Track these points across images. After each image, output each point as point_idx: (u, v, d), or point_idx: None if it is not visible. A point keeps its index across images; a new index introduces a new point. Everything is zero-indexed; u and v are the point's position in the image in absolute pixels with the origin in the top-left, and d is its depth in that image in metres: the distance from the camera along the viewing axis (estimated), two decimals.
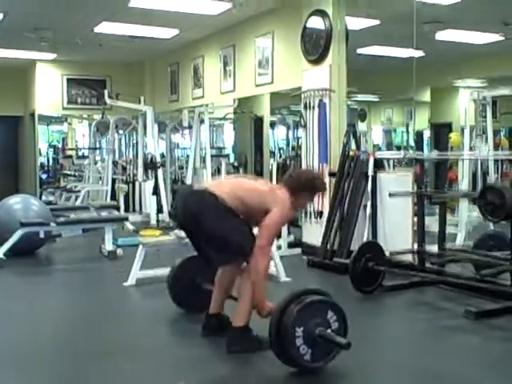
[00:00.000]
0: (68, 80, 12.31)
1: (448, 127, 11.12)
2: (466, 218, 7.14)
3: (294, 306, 3.47)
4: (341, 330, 3.53)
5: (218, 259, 3.95)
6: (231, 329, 3.90)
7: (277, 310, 3.53)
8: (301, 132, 7.48)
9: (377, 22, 8.38)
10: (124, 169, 12.19)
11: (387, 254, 5.53)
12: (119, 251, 7.17)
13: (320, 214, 6.92)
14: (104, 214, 9.05)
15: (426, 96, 12.21)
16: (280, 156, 11.81)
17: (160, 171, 9.86)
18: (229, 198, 3.81)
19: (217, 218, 3.79)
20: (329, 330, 3.47)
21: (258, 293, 3.86)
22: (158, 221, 9.19)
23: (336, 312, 3.54)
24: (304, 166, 7.25)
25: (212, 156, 10.32)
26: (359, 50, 9.80)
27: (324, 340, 3.44)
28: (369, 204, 6.18)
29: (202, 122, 10.34)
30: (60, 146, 14.44)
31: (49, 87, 12.25)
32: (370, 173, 6.23)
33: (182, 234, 5.81)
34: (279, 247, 6.77)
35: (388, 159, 7.80)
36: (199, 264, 4.50)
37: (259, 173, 10.73)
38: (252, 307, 3.89)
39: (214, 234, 3.81)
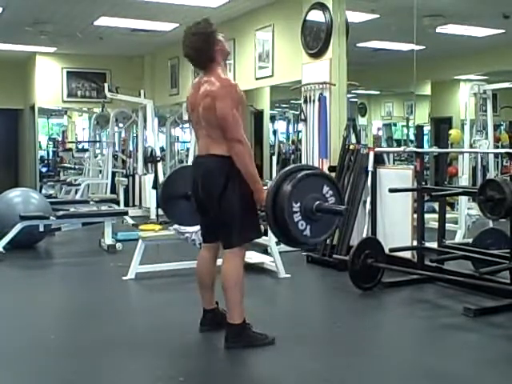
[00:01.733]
0: (68, 73, 12.28)
1: (448, 121, 11.11)
2: (465, 214, 7.13)
3: (288, 182, 3.39)
4: (337, 203, 3.50)
5: (233, 236, 3.81)
6: (228, 325, 3.88)
7: (271, 188, 3.45)
8: (301, 126, 7.46)
9: (377, 15, 8.35)
10: (124, 162, 12.19)
11: (386, 250, 5.52)
12: (118, 245, 7.17)
13: None
14: (104, 207, 9.06)
15: (427, 90, 12.20)
16: (280, 150, 11.79)
17: (160, 165, 9.86)
18: (215, 147, 3.75)
19: (226, 195, 3.71)
20: (326, 204, 3.42)
21: (253, 182, 3.67)
22: (157, 215, 9.18)
23: (332, 186, 3.49)
24: (304, 160, 7.23)
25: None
26: (359, 44, 9.78)
27: (322, 212, 3.39)
28: (368, 200, 6.16)
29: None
30: (60, 139, 14.44)
31: (49, 80, 12.23)
32: (370, 168, 6.20)
33: (182, 228, 5.85)
34: (278, 243, 6.75)
35: (388, 153, 7.81)
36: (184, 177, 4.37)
37: (259, 166, 10.73)
38: (242, 296, 3.82)
39: (222, 213, 3.76)
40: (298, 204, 3.36)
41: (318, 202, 3.41)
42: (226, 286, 3.80)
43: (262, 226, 4.01)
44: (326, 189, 3.45)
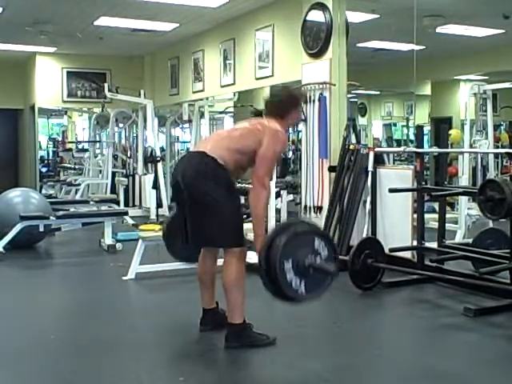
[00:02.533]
0: (68, 73, 12.27)
1: (448, 122, 11.12)
2: (465, 214, 7.13)
3: (279, 240, 3.38)
4: (331, 256, 3.47)
5: (204, 238, 3.84)
6: (228, 325, 3.88)
7: (263, 247, 3.45)
8: (301, 126, 7.46)
9: (377, 15, 8.35)
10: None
11: (386, 250, 5.52)
12: (118, 245, 7.17)
13: (319, 209, 6.91)
14: (104, 207, 9.06)
15: (427, 90, 12.21)
16: None
17: (160, 165, 9.86)
18: (226, 155, 3.77)
19: (213, 196, 3.72)
20: (318, 258, 3.40)
21: (257, 226, 3.75)
22: (157, 215, 9.19)
23: (323, 238, 3.47)
24: (304, 160, 7.24)
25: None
26: (360, 44, 9.78)
27: (315, 270, 3.37)
28: (368, 200, 6.16)
29: (202, 115, 10.34)
30: (60, 139, 14.44)
31: (49, 80, 12.22)
32: (370, 168, 6.21)
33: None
34: None
35: (388, 153, 7.81)
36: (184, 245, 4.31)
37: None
38: (242, 297, 3.82)
39: (208, 212, 3.73)
40: (290, 262, 3.35)
41: (309, 259, 3.39)
42: (227, 287, 3.80)
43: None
44: (317, 242, 3.44)
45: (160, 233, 6.05)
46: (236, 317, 3.83)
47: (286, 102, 4.03)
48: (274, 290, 3.43)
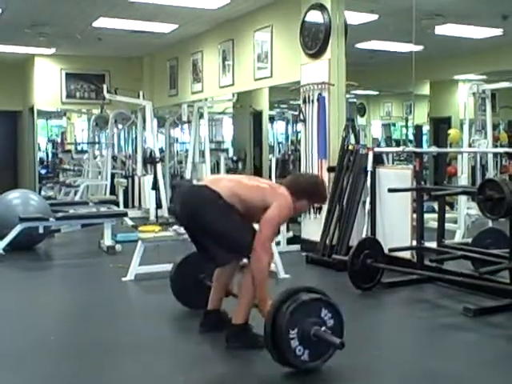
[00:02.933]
0: (67, 74, 12.26)
1: (447, 121, 11.12)
2: (464, 214, 7.13)
3: (286, 308, 3.41)
4: (337, 327, 3.48)
5: (218, 256, 3.88)
6: (230, 325, 3.89)
7: (269, 313, 3.48)
8: (300, 126, 7.46)
9: (376, 16, 8.36)
10: (123, 163, 12.19)
11: (386, 250, 5.52)
12: (118, 247, 7.17)
13: (319, 209, 6.91)
14: (103, 209, 9.05)
15: (426, 90, 12.21)
16: (279, 150, 11.80)
17: (159, 166, 9.86)
18: (228, 195, 3.78)
19: (216, 213, 3.76)
20: (324, 328, 3.42)
21: (260, 291, 3.82)
22: (157, 216, 9.19)
23: (330, 309, 3.49)
24: (303, 161, 7.24)
25: (211, 150, 10.31)
26: (358, 45, 9.78)
27: (319, 339, 3.41)
28: (368, 200, 6.16)
29: (201, 116, 10.33)
30: (59, 140, 14.44)
31: (48, 82, 12.21)
32: (369, 168, 6.21)
33: (182, 230, 5.83)
34: (278, 243, 6.76)
35: (387, 153, 7.81)
36: (201, 260, 4.42)
37: (258, 167, 10.74)
38: (253, 305, 3.87)
39: (214, 229, 3.78)
40: (296, 330, 3.38)
41: (315, 328, 3.40)
42: (244, 289, 3.85)
43: None
44: (324, 312, 3.46)
45: (159, 234, 6.09)
46: (240, 318, 3.85)
47: (307, 189, 4.01)
48: (278, 356, 3.47)
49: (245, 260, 3.91)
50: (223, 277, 4.15)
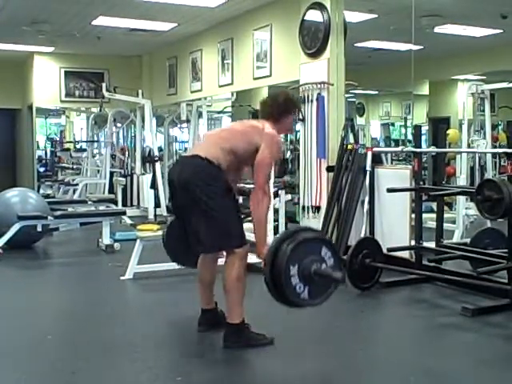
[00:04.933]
0: (66, 73, 12.25)
1: (446, 122, 11.12)
2: (463, 214, 7.13)
3: (286, 245, 3.38)
4: (336, 266, 3.47)
5: (207, 242, 3.82)
6: (227, 325, 3.88)
7: (269, 250, 3.45)
8: (299, 126, 7.46)
9: (375, 15, 8.36)
10: (122, 162, 12.19)
11: (384, 250, 5.53)
12: (117, 245, 7.16)
13: (317, 208, 6.92)
14: (102, 207, 9.05)
15: (425, 89, 12.21)
16: None
17: (158, 165, 9.85)
18: (218, 156, 3.76)
19: (211, 198, 3.71)
20: (324, 266, 3.40)
21: (259, 233, 3.80)
22: (155, 215, 9.18)
23: (330, 248, 3.48)
24: (302, 160, 7.24)
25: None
26: (358, 44, 9.79)
27: (320, 276, 3.38)
28: (366, 199, 6.16)
29: (200, 115, 10.34)
30: (58, 139, 14.43)
31: (47, 80, 12.20)
32: (368, 168, 6.21)
33: None
34: None
35: (386, 153, 7.81)
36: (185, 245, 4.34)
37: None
38: (242, 297, 3.82)
39: (209, 210, 3.73)
40: (296, 267, 3.36)
41: (316, 266, 3.39)
42: (227, 286, 3.81)
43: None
44: (324, 250, 3.44)
45: (158, 233, 6.08)
46: (235, 317, 3.83)
47: (283, 105, 4.02)
48: (278, 294, 3.44)
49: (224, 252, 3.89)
50: (205, 277, 4.11)
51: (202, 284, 4.13)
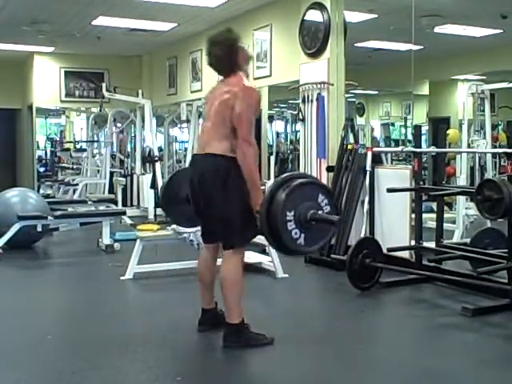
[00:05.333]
0: (66, 73, 12.27)
1: (446, 122, 11.12)
2: (463, 214, 7.13)
3: (282, 191, 3.37)
4: (333, 212, 3.47)
5: (221, 237, 3.87)
6: (226, 325, 3.87)
7: (265, 196, 3.44)
8: (299, 126, 7.46)
9: (375, 15, 8.36)
10: (122, 162, 12.20)
11: (384, 250, 5.52)
12: (117, 245, 7.16)
13: None
14: (102, 207, 9.05)
15: (425, 90, 12.21)
16: (278, 150, 11.79)
17: (158, 165, 9.85)
18: (225, 146, 3.75)
19: (225, 196, 3.73)
20: (320, 212, 3.39)
21: (252, 184, 3.74)
22: (155, 215, 9.18)
23: (327, 195, 3.47)
24: (302, 160, 7.25)
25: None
26: (358, 44, 9.79)
27: (316, 222, 3.36)
28: (366, 199, 6.16)
29: (200, 115, 10.32)
30: (58, 139, 14.43)
31: (47, 80, 12.22)
32: (368, 168, 6.21)
33: (180, 228, 5.84)
34: None
35: (386, 153, 7.81)
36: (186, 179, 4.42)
37: (257, 166, 10.71)
38: (240, 296, 3.82)
39: (221, 215, 3.76)
40: (292, 213, 3.34)
41: (312, 211, 3.38)
42: (225, 286, 3.80)
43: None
44: (321, 197, 3.42)
45: (158, 233, 6.09)
46: (233, 316, 3.82)
47: (226, 56, 3.92)
48: (274, 241, 3.43)
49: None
50: (205, 277, 4.10)
51: (203, 284, 4.13)
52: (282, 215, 3.32)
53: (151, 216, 9.40)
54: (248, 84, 3.90)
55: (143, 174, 10.25)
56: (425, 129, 11.85)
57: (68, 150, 13.36)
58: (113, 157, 12.01)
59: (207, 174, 3.79)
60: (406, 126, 13.63)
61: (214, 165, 3.78)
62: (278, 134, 11.69)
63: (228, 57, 3.93)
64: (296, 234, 3.36)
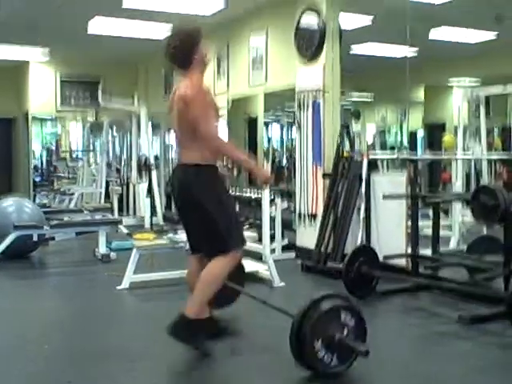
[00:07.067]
0: (62, 81, 12.27)
1: (442, 127, 11.12)
2: (459, 221, 7.13)
3: (306, 323, 3.46)
4: (358, 325, 3.54)
5: (207, 247, 3.89)
6: (182, 315, 3.83)
7: (291, 332, 3.50)
8: (295, 132, 7.46)
9: (370, 21, 8.37)
10: (118, 170, 12.17)
11: (381, 258, 5.52)
12: (113, 254, 7.15)
13: (314, 216, 6.91)
14: (98, 216, 9.03)
15: (420, 95, 12.21)
16: (274, 157, 11.76)
17: (154, 173, 9.83)
18: (198, 155, 3.78)
19: (210, 202, 3.77)
20: (346, 331, 3.47)
21: (235, 157, 3.94)
22: (151, 224, 9.15)
23: (348, 311, 3.54)
24: (298, 167, 7.24)
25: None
26: (352, 51, 9.80)
27: (343, 345, 3.46)
28: (362, 207, 6.16)
29: None
30: (54, 147, 14.40)
31: (42, 88, 12.22)
32: (364, 175, 6.21)
33: (176, 237, 5.83)
34: (273, 251, 6.73)
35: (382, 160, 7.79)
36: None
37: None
38: (210, 294, 3.82)
39: (207, 219, 3.79)
40: (320, 341, 3.43)
41: (338, 335, 3.46)
42: (203, 280, 3.81)
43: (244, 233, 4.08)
44: (343, 315, 3.51)
45: (154, 242, 6.08)
46: (194, 311, 3.81)
47: (188, 46, 3.93)
48: (309, 369, 3.52)
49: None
50: (194, 278, 4.07)
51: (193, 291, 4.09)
52: (311, 347, 3.43)
53: (147, 225, 9.37)
54: (196, 85, 3.90)
55: (139, 182, 10.24)
56: (420, 134, 11.85)
57: (64, 158, 13.34)
58: (109, 165, 11.98)
59: (185, 186, 3.84)
60: (401, 132, 13.62)
61: (191, 175, 3.81)
62: (269, 140, 11.68)
63: (185, 49, 3.92)
64: (328, 358, 3.46)
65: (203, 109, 3.80)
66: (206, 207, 3.77)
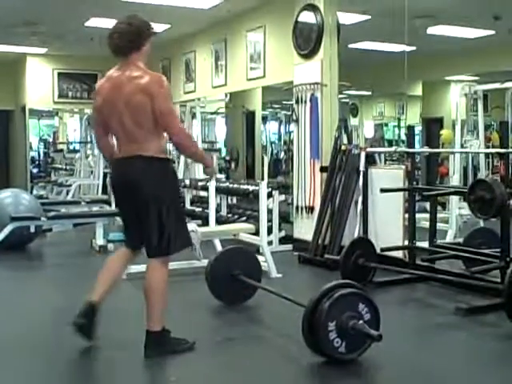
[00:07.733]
0: (59, 74, 12.26)
1: (439, 122, 11.15)
2: (456, 214, 7.15)
3: (325, 301, 3.51)
4: (373, 321, 3.58)
5: (153, 246, 3.75)
6: (148, 333, 3.72)
7: (308, 307, 3.56)
8: (293, 126, 7.47)
9: (368, 16, 8.38)
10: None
11: (378, 250, 5.53)
12: (110, 246, 7.15)
13: (311, 209, 6.93)
14: (95, 208, 9.03)
15: (418, 90, 12.24)
16: (272, 150, 11.79)
17: None
18: (145, 145, 3.63)
19: (160, 200, 3.65)
20: (361, 321, 3.50)
21: (199, 158, 3.99)
22: None
23: (367, 303, 3.58)
24: (295, 161, 7.25)
25: (204, 150, 10.25)
26: (351, 45, 9.80)
27: (357, 332, 3.48)
28: (360, 199, 6.17)
29: (193, 116, 10.32)
30: (51, 140, 14.40)
31: (40, 81, 12.21)
32: (362, 168, 6.22)
33: None
34: (270, 243, 6.75)
35: (379, 153, 7.83)
36: (235, 256, 4.84)
37: (251, 166, 10.73)
38: (163, 303, 3.74)
39: (154, 223, 3.67)
40: (334, 323, 3.47)
41: (353, 321, 3.49)
42: (152, 295, 3.70)
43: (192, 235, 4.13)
44: (361, 306, 3.56)
45: None
46: (156, 323, 3.71)
47: (135, 32, 3.92)
48: (316, 350, 3.56)
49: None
50: (116, 266, 4.05)
51: (103, 280, 4.02)
52: (324, 326, 3.46)
53: None
54: (156, 74, 3.86)
55: None
56: (418, 129, 11.87)
57: (61, 150, 13.34)
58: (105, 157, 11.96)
59: (139, 178, 3.65)
60: (399, 127, 13.66)
61: (146, 168, 3.65)
62: (267, 134, 11.70)
63: (138, 33, 3.88)
64: (337, 342, 3.50)
65: (171, 102, 3.79)
66: (157, 205, 3.63)
